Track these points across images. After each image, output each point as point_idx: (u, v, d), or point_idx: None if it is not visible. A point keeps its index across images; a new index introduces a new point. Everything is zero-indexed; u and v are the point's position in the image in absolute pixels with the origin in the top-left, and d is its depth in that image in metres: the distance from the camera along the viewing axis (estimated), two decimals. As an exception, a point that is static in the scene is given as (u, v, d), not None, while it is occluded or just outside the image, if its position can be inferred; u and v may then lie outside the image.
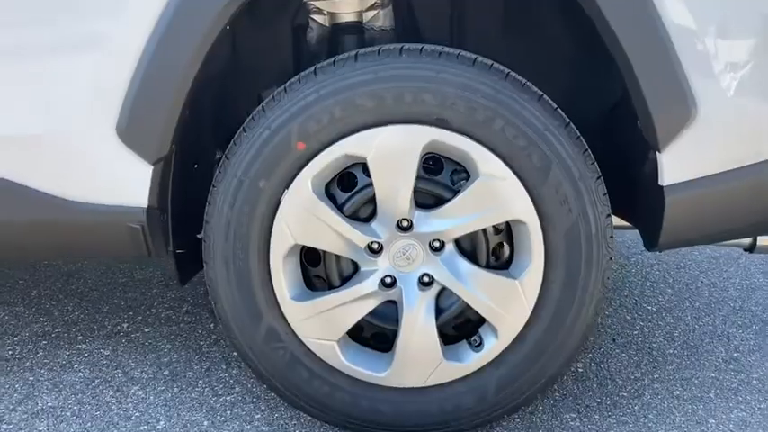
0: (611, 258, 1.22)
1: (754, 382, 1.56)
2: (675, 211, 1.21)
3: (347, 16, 1.41)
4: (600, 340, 1.76)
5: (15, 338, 1.75)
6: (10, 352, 1.68)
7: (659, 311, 1.94)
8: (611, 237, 1.22)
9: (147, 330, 1.79)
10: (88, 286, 2.07)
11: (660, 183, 1.20)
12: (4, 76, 1.20)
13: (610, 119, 1.40)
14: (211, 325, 1.81)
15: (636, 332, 1.81)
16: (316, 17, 1.44)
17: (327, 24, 1.44)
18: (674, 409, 1.44)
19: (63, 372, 1.58)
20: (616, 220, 1.32)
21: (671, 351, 1.70)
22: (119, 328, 1.81)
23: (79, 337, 1.75)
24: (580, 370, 1.60)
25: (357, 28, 1.43)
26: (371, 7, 1.43)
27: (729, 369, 1.61)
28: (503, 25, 1.48)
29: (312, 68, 1.18)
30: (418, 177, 1.19)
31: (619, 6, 1.12)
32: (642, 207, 1.30)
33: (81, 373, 1.58)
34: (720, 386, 1.54)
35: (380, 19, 1.46)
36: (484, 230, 1.25)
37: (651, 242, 1.29)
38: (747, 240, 1.46)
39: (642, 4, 1.11)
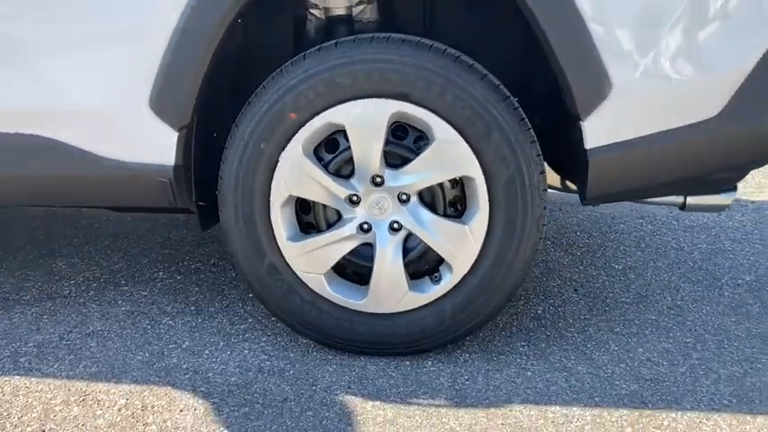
0: (544, 207, 1.50)
1: (688, 323, 1.81)
2: (597, 169, 1.48)
3: (339, 10, 1.70)
4: (563, 290, 2.03)
5: (72, 282, 2.10)
6: (67, 292, 2.03)
7: (624, 269, 2.20)
8: (545, 190, 1.50)
9: (178, 277, 2.13)
10: (131, 244, 2.41)
11: (584, 146, 1.47)
12: (68, 63, 1.53)
13: (551, 93, 1.66)
14: (233, 273, 2.13)
15: (598, 285, 2.07)
16: (313, 11, 1.74)
17: (323, 17, 1.73)
18: (610, 341, 1.71)
19: (109, 306, 1.92)
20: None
21: (623, 299, 1.97)
22: (156, 275, 2.15)
23: (122, 282, 2.09)
24: (539, 312, 1.88)
25: (348, 20, 1.72)
26: (359, 2, 1.72)
27: (670, 313, 1.87)
28: (464, 14, 1.76)
29: (301, 54, 1.49)
30: (387, 142, 1.49)
31: (545, 5, 1.39)
32: (575, 167, 1.56)
33: (123, 308, 1.92)
34: (657, 326, 1.80)
35: (367, 12, 1.75)
36: (441, 185, 1.54)
37: (583, 197, 1.56)
38: (680, 199, 1.71)
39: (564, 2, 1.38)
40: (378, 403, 1.44)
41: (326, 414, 1.40)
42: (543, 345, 1.69)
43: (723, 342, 1.71)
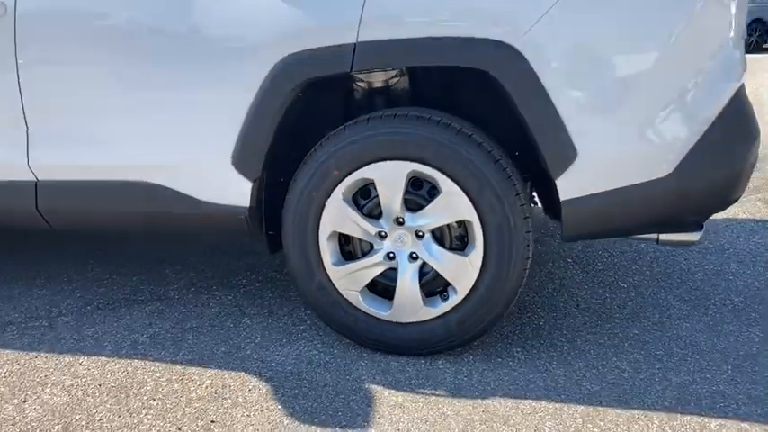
0: (527, 246, 1.92)
1: (665, 338, 2.18)
2: (569, 216, 1.89)
3: (378, 83, 2.16)
4: (567, 305, 2.43)
5: (175, 286, 2.68)
6: (172, 294, 2.61)
7: (628, 287, 2.57)
8: (528, 231, 1.91)
9: (257, 284, 2.67)
10: (221, 255, 2.98)
11: (559, 198, 1.88)
12: (176, 129, 2.06)
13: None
14: (299, 283, 2.65)
15: (599, 301, 2.46)
16: (359, 84, 2.21)
17: (367, 88, 2.20)
18: (591, 351, 2.11)
19: (203, 307, 2.48)
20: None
21: (617, 315, 2.35)
22: (240, 282, 2.69)
23: (213, 287, 2.65)
24: (540, 323, 2.29)
25: (385, 90, 2.18)
26: (394, 77, 2.18)
27: (653, 329, 2.24)
28: (472, 89, 2.18)
29: (342, 126, 1.97)
30: (406, 191, 1.95)
31: (519, 88, 1.80)
32: (557, 212, 1.97)
33: (213, 309, 2.47)
34: (637, 339, 2.17)
35: (401, 83, 2.21)
36: (449, 226, 1.98)
37: (562, 235, 1.97)
38: (655, 235, 2.09)
39: (536, 84, 1.79)
40: (393, 391, 1.91)
41: (353, 397, 1.88)
42: (535, 351, 2.11)
43: (687, 355, 2.07)
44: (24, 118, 2.16)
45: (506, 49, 1.78)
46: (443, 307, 2.01)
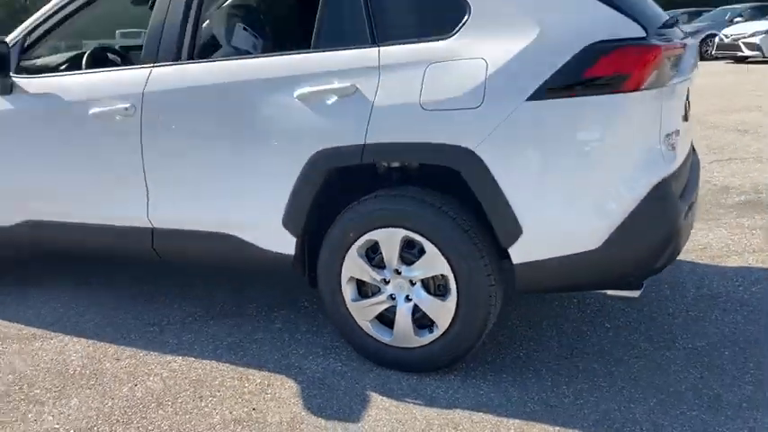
0: (490, 296, 2.53)
1: (615, 373, 2.70)
2: (520, 276, 2.49)
3: (396, 163, 2.84)
4: (551, 340, 2.99)
5: (253, 305, 3.49)
6: (249, 311, 3.42)
7: (610, 328, 3.08)
8: (491, 285, 2.53)
9: (314, 307, 3.42)
10: (289, 285, 3.78)
11: (512, 262, 2.49)
12: (247, 201, 2.85)
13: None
14: (346, 308, 3.38)
15: (579, 338, 3.00)
16: (382, 164, 2.89)
17: (387, 166, 2.88)
18: (549, 379, 2.67)
19: (269, 323, 3.27)
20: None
21: (587, 351, 2.88)
22: (302, 305, 3.47)
23: (281, 308, 3.44)
24: (521, 354, 2.88)
25: (401, 167, 2.86)
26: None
27: (609, 364, 2.77)
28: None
29: (357, 201, 2.68)
30: (402, 250, 2.63)
31: (477, 181, 2.43)
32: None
33: (278, 325, 3.25)
34: (592, 372, 2.71)
35: (412, 163, 2.88)
36: (433, 277, 2.64)
37: (516, 289, 2.57)
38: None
39: (489, 178, 2.40)
40: (385, 398, 2.58)
41: (355, 400, 2.58)
42: (504, 376, 2.72)
43: (624, 388, 2.59)
44: (146, 185, 3.04)
45: (467, 153, 2.42)
46: (430, 337, 2.66)
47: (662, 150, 2.42)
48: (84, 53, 3.80)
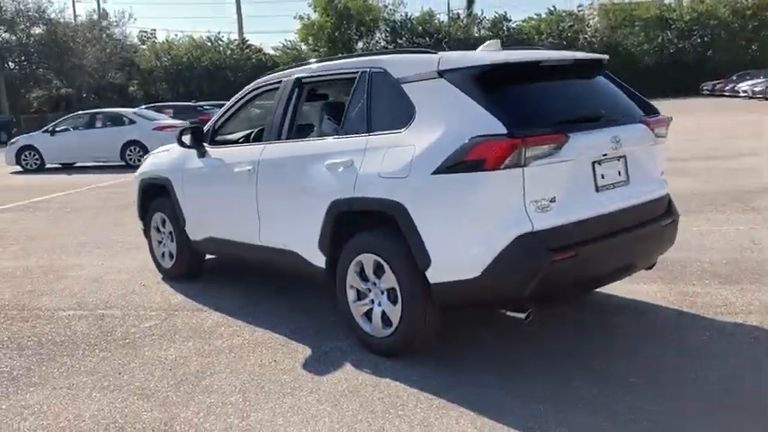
0: (423, 305, 3.71)
1: (570, 392, 3.66)
2: (434, 292, 3.65)
3: (369, 210, 4.17)
4: (531, 357, 4.00)
5: (334, 318, 5.00)
6: (305, 325, 4.93)
7: (571, 366, 3.98)
8: (423, 296, 3.71)
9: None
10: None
11: (429, 281, 3.66)
12: (301, 229, 4.41)
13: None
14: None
15: (567, 361, 3.96)
16: (364, 210, 4.23)
17: (368, 212, 4.21)
18: (507, 398, 3.73)
19: (348, 331, 4.74)
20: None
21: (572, 375, 3.85)
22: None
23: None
24: (500, 369, 3.96)
25: (375, 213, 4.17)
26: (401, 209, 4.17)
27: (553, 394, 3.72)
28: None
29: (354, 237, 4.06)
30: (375, 269, 3.94)
31: (404, 225, 3.65)
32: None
33: (341, 342, 4.71)
34: (550, 392, 3.70)
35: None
36: (390, 289, 3.89)
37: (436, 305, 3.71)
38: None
39: (411, 224, 3.62)
40: (368, 375, 3.89)
41: (346, 378, 3.93)
42: (465, 379, 3.83)
43: (561, 419, 3.55)
44: (258, 216, 4.77)
45: (399, 205, 3.68)
46: (389, 331, 3.92)
47: (528, 212, 3.41)
48: (241, 132, 5.75)
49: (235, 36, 51.84)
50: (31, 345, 4.56)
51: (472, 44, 45.86)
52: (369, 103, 4.08)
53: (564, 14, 46.32)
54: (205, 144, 5.33)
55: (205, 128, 5.41)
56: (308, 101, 4.83)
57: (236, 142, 5.52)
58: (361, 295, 4.12)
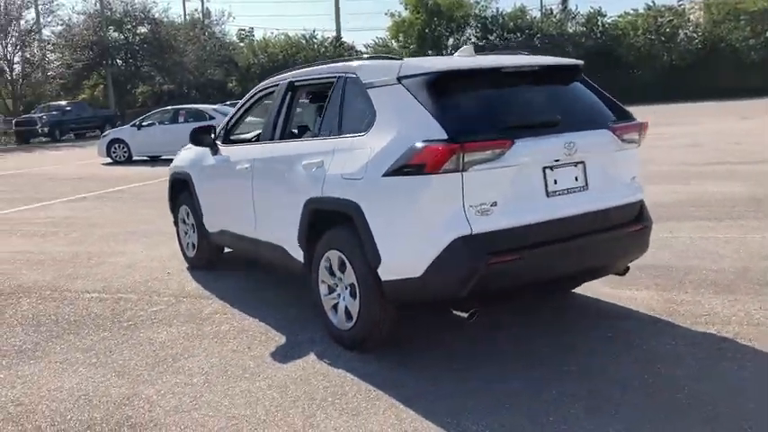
0: (379, 301, 3.89)
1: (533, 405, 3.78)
2: (385, 289, 3.81)
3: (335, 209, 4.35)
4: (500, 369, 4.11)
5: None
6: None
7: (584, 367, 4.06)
8: (378, 293, 3.89)
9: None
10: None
11: (380, 278, 3.83)
12: (286, 226, 4.67)
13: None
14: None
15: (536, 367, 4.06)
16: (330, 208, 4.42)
17: (333, 211, 4.39)
18: (472, 401, 3.88)
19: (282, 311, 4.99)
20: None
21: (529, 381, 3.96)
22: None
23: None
24: (472, 379, 4.10)
25: (340, 212, 4.35)
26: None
27: (517, 390, 3.83)
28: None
29: (324, 234, 4.28)
30: (339, 265, 4.14)
31: (359, 223, 3.83)
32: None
33: (315, 334, 4.94)
34: (492, 391, 3.83)
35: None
36: (351, 284, 4.07)
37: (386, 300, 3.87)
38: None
39: (365, 222, 3.80)
40: (324, 365, 4.12)
41: (312, 364, 4.17)
42: (411, 375, 3.99)
43: (480, 418, 3.67)
44: (254, 211, 5.06)
45: (355, 205, 3.87)
46: (351, 324, 4.11)
47: (467, 216, 3.52)
48: (248, 133, 6.06)
49: (329, 34, 52.99)
50: (48, 323, 5.05)
51: (566, 40, 45.22)
52: (341, 107, 4.29)
53: (663, 9, 44.49)
54: (218, 142, 5.68)
55: (219, 127, 5.77)
56: (297, 104, 5.07)
57: (243, 141, 5.85)
58: (331, 290, 4.32)
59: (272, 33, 65.07)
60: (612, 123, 4.05)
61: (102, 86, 44.10)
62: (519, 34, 46.45)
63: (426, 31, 48.20)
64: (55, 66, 40.57)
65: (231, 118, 5.74)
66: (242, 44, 54.19)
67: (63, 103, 35.20)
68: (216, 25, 50.68)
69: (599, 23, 46.07)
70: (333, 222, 4.23)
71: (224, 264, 6.39)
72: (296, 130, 5.32)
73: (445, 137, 3.51)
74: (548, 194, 3.76)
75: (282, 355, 4.21)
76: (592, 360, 3.85)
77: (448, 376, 3.76)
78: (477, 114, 3.75)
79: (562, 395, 3.44)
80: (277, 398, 3.61)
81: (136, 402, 3.62)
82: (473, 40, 48.25)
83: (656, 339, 4.10)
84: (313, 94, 5.48)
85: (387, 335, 4.07)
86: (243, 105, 5.66)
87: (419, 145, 3.56)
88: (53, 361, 4.28)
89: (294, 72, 5.07)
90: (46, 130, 32.01)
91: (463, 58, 4.27)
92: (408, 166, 3.60)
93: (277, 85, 5.12)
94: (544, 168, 3.74)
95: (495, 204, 3.59)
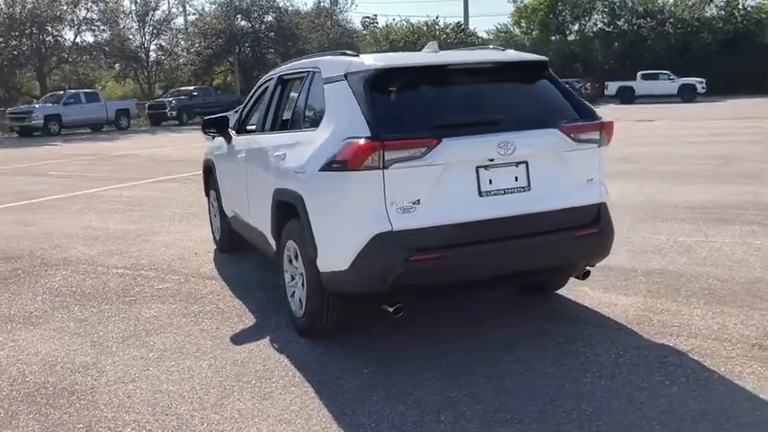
0: (321, 290, 4.01)
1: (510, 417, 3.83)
2: (323, 280, 3.93)
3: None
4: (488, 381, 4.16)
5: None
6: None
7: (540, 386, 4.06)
8: (320, 283, 4.01)
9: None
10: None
11: (319, 270, 3.95)
12: (265, 215, 4.88)
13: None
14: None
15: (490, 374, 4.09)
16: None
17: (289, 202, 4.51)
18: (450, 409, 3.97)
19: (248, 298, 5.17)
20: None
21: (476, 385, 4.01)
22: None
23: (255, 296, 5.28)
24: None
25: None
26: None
27: (475, 385, 3.88)
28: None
29: (285, 226, 4.45)
30: (295, 255, 4.30)
31: (301, 212, 3.96)
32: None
33: (283, 319, 5.12)
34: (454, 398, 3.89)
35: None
36: (302, 273, 4.21)
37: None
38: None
39: (305, 214, 3.92)
40: (279, 348, 4.31)
41: (264, 343, 4.37)
42: (344, 365, 4.10)
43: (375, 410, 3.74)
44: (247, 195, 5.31)
45: (299, 196, 4.00)
46: (302, 312, 4.27)
47: (388, 212, 3.56)
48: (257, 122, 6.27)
49: (450, 20, 52.68)
50: (66, 293, 5.56)
51: (701, 25, 42.37)
52: (306, 101, 4.43)
53: (817, -9, 40.74)
54: (231, 132, 5.97)
55: (234, 116, 6.06)
56: (283, 97, 5.23)
57: (248, 131, 6.11)
58: (292, 278, 4.49)
59: (394, 20, 65.41)
60: (566, 123, 3.92)
61: (231, 72, 46.43)
62: (649, 19, 44.21)
63: (550, 16, 46.93)
64: (186, 53, 43.19)
65: (244, 108, 6.01)
66: (365, 32, 55.04)
67: (191, 88, 37.36)
68: (340, 13, 51.80)
69: (740, 6, 42.97)
70: (292, 213, 4.38)
71: (250, 248, 6.70)
72: (279, 123, 5.50)
73: (368, 134, 3.56)
74: (480, 194, 3.72)
75: (241, 337, 4.43)
76: (519, 365, 3.77)
77: (375, 369, 3.82)
78: (407, 112, 3.76)
79: (466, 397, 3.42)
80: (209, 377, 3.83)
81: (90, 371, 3.97)
82: (599, 26, 46.38)
83: (603, 348, 3.95)
84: (293, 87, 5.64)
85: (332, 324, 4.17)
86: (252, 96, 5.91)
87: (343, 142, 3.64)
88: (48, 328, 4.74)
89: (286, 65, 5.25)
90: (174, 113, 34.22)
91: (425, 55, 4.26)
92: (336, 162, 3.69)
93: (272, 78, 5.33)
94: (477, 168, 3.70)
95: (418, 202, 3.60)
